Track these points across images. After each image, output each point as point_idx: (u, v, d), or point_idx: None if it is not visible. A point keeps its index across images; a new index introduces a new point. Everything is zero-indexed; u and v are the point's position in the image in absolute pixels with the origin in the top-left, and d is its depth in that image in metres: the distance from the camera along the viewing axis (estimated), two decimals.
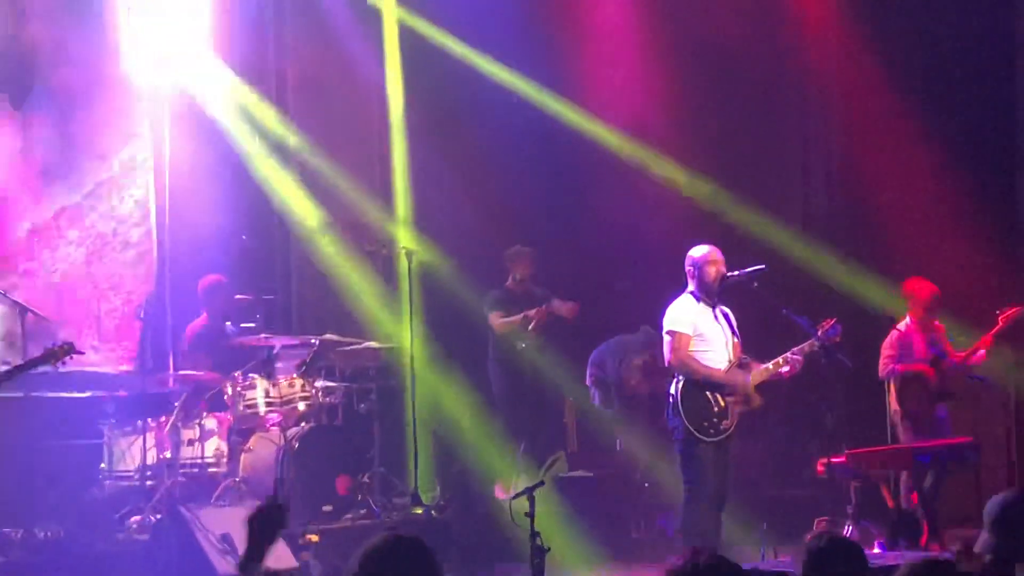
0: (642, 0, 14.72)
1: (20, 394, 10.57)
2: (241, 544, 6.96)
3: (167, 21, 13.28)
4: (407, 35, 14.45)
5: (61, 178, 13.11)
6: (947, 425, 11.88)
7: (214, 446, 11.61)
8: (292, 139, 14.03)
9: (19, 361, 10.38)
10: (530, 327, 13.33)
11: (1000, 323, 11.93)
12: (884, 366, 12.05)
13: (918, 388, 11.96)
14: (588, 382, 13.84)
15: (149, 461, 11.37)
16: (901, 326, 12.09)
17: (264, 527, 5.45)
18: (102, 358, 12.98)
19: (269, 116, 13.92)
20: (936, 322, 12.16)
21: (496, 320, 13.42)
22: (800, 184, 15.63)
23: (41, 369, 10.23)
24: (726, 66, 14.49)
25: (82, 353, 10.75)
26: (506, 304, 13.52)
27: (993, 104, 14.61)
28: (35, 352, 9.69)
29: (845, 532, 11.17)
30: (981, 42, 14.46)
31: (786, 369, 10.24)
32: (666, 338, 10.14)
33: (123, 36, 13.21)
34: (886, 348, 12.10)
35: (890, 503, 11.78)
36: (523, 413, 13.55)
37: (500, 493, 12.02)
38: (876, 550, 10.93)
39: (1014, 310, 12.07)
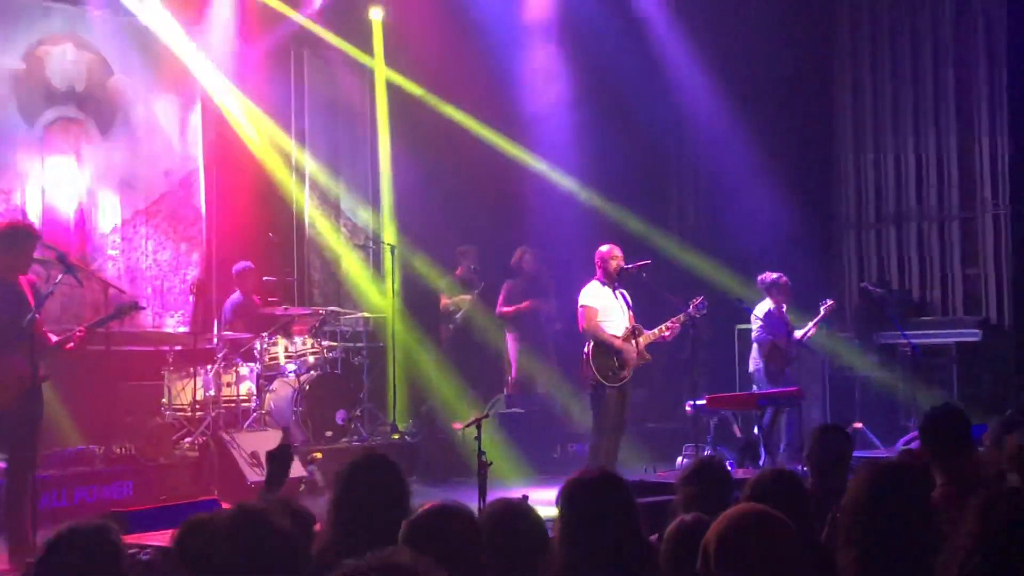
0: (564, 54, 14.32)
1: (102, 347, 10.12)
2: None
3: (214, 77, 13.16)
4: (392, 88, 14.24)
5: (136, 189, 12.99)
6: (792, 381, 11.61)
7: (246, 387, 11.61)
8: (308, 164, 14.02)
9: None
10: (458, 316, 13.34)
11: (823, 312, 11.87)
12: (759, 334, 11.74)
13: (778, 354, 11.76)
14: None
15: (198, 398, 11.33)
16: (772, 308, 11.74)
17: (280, 460, 5.96)
18: (164, 322, 13.01)
19: (291, 147, 13.86)
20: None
21: (443, 300, 13.42)
22: (675, 199, 15.68)
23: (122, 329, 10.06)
24: (623, 115, 14.20)
25: (144, 308, 10.46)
26: (454, 288, 13.45)
27: (816, 143, 14.66)
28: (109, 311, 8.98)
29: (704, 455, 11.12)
30: (804, 83, 14.38)
31: (667, 334, 10.26)
32: (580, 311, 10.08)
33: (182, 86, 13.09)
34: (758, 319, 11.77)
35: (738, 434, 11.79)
36: (471, 366, 13.36)
37: (457, 425, 11.65)
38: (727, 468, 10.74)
39: (831, 303, 12.07)
